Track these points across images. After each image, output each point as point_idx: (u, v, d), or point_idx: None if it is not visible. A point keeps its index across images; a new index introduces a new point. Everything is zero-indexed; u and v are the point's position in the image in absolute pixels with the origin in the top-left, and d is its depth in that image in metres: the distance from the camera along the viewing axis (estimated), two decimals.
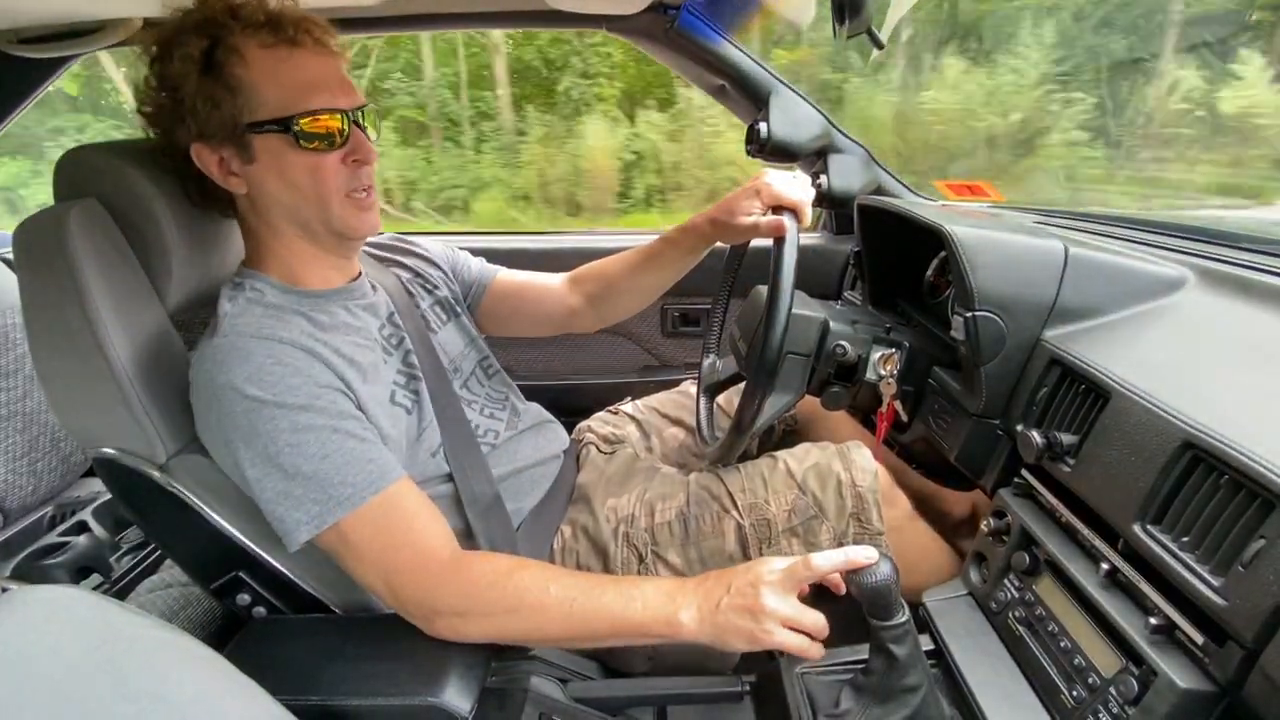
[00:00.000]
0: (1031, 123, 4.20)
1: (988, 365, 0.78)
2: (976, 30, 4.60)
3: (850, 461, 0.86)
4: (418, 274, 0.98)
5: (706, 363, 1.07)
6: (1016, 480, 0.80)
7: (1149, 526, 0.59)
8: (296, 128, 0.70)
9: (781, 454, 0.91)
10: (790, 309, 0.76)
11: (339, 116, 0.72)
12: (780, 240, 0.79)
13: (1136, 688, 0.56)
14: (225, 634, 0.75)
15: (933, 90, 4.61)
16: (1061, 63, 4.18)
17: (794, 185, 0.85)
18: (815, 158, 1.36)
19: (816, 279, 1.44)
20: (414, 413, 0.80)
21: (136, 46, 0.73)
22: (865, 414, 1.15)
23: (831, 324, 0.89)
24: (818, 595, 0.66)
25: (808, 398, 0.93)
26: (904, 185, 1.41)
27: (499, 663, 0.74)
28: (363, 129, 0.76)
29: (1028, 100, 4.22)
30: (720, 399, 1.12)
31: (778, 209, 0.84)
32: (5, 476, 1.22)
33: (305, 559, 0.77)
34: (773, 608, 0.63)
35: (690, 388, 1.23)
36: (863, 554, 0.62)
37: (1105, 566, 0.63)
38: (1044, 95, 4.18)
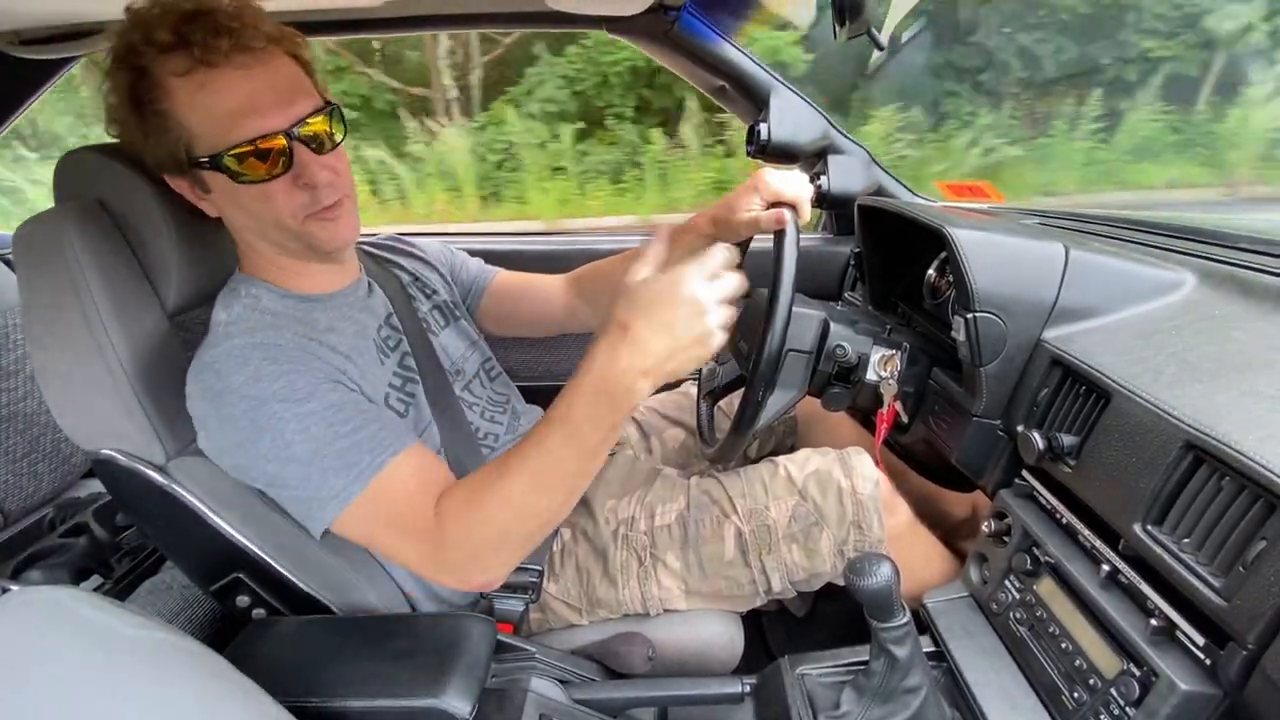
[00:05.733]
0: None
1: (988, 366, 0.78)
2: None
3: (851, 468, 0.86)
4: (416, 277, 0.98)
5: (706, 369, 1.07)
6: (1017, 481, 0.80)
7: (1150, 528, 0.59)
8: (228, 165, 0.65)
9: (782, 459, 0.91)
10: (791, 303, 0.76)
11: (275, 139, 0.66)
12: (780, 234, 0.80)
13: (1137, 689, 0.56)
14: (226, 635, 0.75)
15: None
16: None
17: (792, 181, 0.85)
18: (815, 159, 1.36)
19: (817, 280, 1.44)
20: (408, 416, 0.80)
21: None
22: (865, 415, 1.15)
23: (832, 325, 0.89)
24: (820, 595, 0.66)
25: (808, 399, 0.93)
26: (904, 186, 1.41)
27: (499, 664, 0.74)
28: (310, 143, 0.68)
29: None
30: (721, 402, 1.12)
31: (777, 204, 0.84)
32: (5, 478, 1.22)
33: (305, 560, 0.77)
34: (718, 323, 0.61)
35: (691, 389, 1.23)
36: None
37: (1106, 568, 0.63)
38: None
